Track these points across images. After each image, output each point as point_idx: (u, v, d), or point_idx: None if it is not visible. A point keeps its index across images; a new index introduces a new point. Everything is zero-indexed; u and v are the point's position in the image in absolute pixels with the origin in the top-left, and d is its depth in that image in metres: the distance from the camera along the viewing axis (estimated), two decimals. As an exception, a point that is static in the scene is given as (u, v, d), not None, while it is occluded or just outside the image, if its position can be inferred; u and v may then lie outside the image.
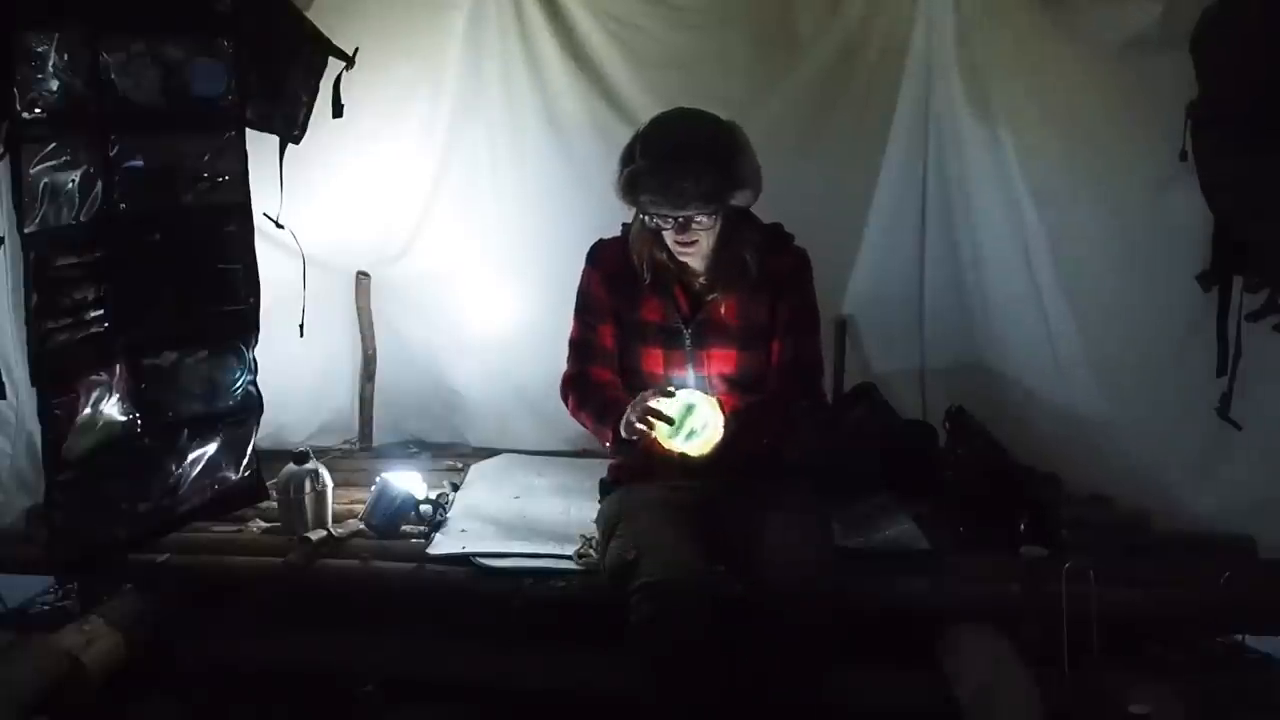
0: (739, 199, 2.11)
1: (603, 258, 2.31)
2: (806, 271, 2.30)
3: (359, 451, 3.21)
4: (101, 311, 2.22)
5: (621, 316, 2.29)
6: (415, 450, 3.19)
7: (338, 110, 2.54)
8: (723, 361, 2.25)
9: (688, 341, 2.25)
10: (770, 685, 1.95)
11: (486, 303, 3.13)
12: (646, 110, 2.82)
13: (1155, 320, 2.49)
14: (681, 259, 2.19)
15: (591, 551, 2.30)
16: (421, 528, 2.50)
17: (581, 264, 2.35)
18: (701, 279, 2.24)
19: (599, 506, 2.35)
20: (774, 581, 1.98)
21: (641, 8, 2.85)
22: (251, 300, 2.52)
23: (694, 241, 2.14)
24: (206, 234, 2.43)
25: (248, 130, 2.45)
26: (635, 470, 2.30)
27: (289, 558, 2.35)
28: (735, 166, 2.08)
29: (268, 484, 2.61)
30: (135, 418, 2.32)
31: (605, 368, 2.32)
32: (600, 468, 2.47)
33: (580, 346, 2.34)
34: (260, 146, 2.50)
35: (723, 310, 2.23)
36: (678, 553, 2.01)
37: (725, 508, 2.17)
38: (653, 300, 2.26)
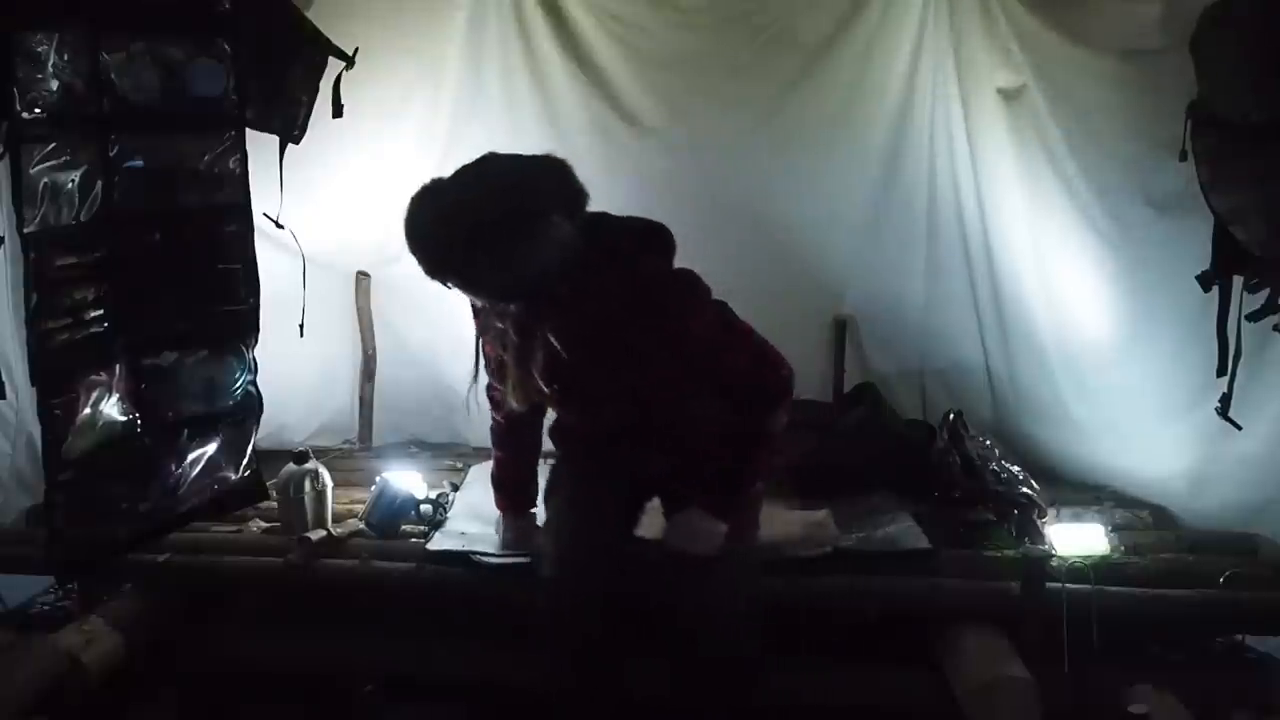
0: (462, 289, 1.86)
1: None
2: (658, 293, 1.87)
3: (359, 451, 3.21)
4: (101, 311, 2.22)
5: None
6: (415, 450, 3.19)
7: (338, 110, 2.54)
8: (596, 411, 2.03)
9: (560, 397, 2.02)
10: (695, 690, 1.98)
11: (486, 303, 3.13)
12: (647, 111, 2.83)
13: (1155, 320, 2.50)
14: None
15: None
16: (421, 527, 2.50)
17: None
18: (551, 334, 1.91)
19: None
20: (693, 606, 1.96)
21: (644, 8, 2.83)
22: (251, 300, 2.52)
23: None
24: (206, 234, 2.43)
25: (248, 130, 2.45)
26: (564, 434, 2.20)
27: (289, 558, 2.35)
28: (454, 253, 1.78)
29: (268, 484, 2.61)
30: (135, 418, 2.32)
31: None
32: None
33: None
34: (260, 146, 2.50)
35: (576, 363, 1.91)
36: (577, 544, 2.03)
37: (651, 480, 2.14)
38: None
